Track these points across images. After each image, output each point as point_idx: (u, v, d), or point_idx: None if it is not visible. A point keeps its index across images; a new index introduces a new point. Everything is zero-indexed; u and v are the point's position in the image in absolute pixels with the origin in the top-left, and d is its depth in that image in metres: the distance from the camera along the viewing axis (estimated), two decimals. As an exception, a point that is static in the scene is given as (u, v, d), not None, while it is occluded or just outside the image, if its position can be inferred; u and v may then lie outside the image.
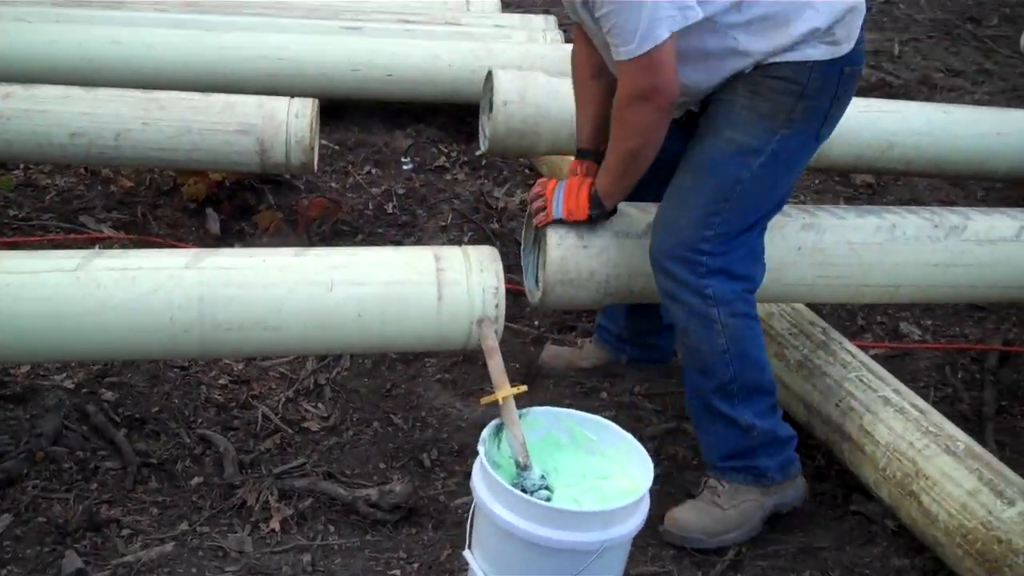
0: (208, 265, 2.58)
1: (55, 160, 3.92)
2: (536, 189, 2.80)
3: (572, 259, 2.70)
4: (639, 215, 2.79)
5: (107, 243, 3.73)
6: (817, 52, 2.53)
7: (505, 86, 3.66)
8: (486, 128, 3.79)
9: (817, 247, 2.84)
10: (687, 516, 2.65)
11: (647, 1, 2.36)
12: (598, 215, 2.69)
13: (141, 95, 3.67)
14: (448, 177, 4.60)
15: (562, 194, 2.70)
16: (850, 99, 2.67)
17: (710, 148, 2.56)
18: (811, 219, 2.88)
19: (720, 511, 2.64)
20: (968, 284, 3.01)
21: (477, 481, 2.24)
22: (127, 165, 3.99)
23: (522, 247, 2.96)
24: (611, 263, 2.72)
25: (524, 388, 2.39)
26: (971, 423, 3.11)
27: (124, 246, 3.73)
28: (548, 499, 2.24)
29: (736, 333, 2.56)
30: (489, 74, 3.76)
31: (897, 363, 3.46)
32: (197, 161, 3.70)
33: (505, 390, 2.35)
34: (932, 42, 7.61)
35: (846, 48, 2.56)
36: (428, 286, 2.64)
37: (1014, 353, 3.65)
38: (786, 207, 2.89)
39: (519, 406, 2.38)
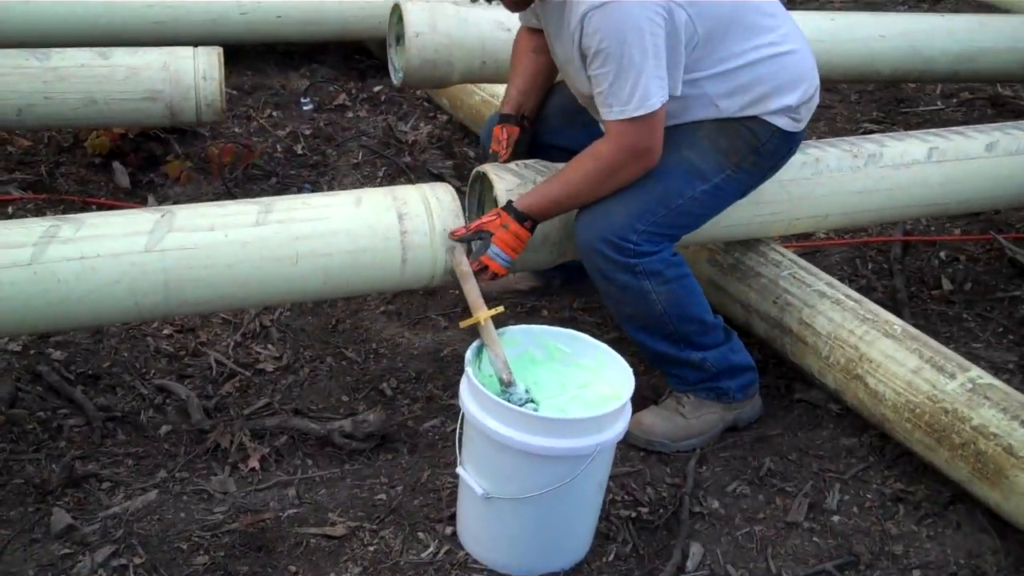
0: (169, 246, 2.45)
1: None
2: (483, 275, 2.62)
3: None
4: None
5: (19, 205, 3.63)
6: (782, 122, 2.71)
7: (416, 18, 3.66)
8: (396, 61, 3.79)
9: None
10: (653, 421, 2.78)
11: (644, 67, 2.44)
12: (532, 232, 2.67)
13: (37, 65, 3.49)
14: (350, 115, 4.59)
15: (499, 248, 2.60)
16: (778, 171, 2.87)
17: (666, 157, 2.62)
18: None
19: (683, 419, 2.78)
20: (889, 207, 3.20)
21: (467, 400, 2.30)
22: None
23: (466, 213, 2.95)
24: (562, 226, 2.78)
25: (501, 309, 2.46)
26: (889, 310, 3.30)
27: (38, 207, 3.63)
28: (536, 411, 2.32)
29: (672, 297, 2.66)
30: (396, 6, 3.75)
31: (809, 260, 3.63)
32: (104, 125, 3.62)
33: (483, 312, 2.41)
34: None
35: (801, 127, 2.77)
36: (393, 251, 2.61)
37: (914, 242, 3.89)
38: None
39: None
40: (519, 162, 2.84)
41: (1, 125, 3.54)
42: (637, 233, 2.59)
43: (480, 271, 2.59)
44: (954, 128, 3.39)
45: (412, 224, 2.63)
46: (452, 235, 2.60)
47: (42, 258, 2.34)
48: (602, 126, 2.60)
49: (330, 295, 2.68)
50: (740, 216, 2.98)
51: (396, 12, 3.76)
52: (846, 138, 3.26)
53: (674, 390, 2.84)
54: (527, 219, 2.59)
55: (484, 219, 2.62)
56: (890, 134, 3.34)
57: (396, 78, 3.81)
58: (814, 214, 3.12)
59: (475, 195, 2.89)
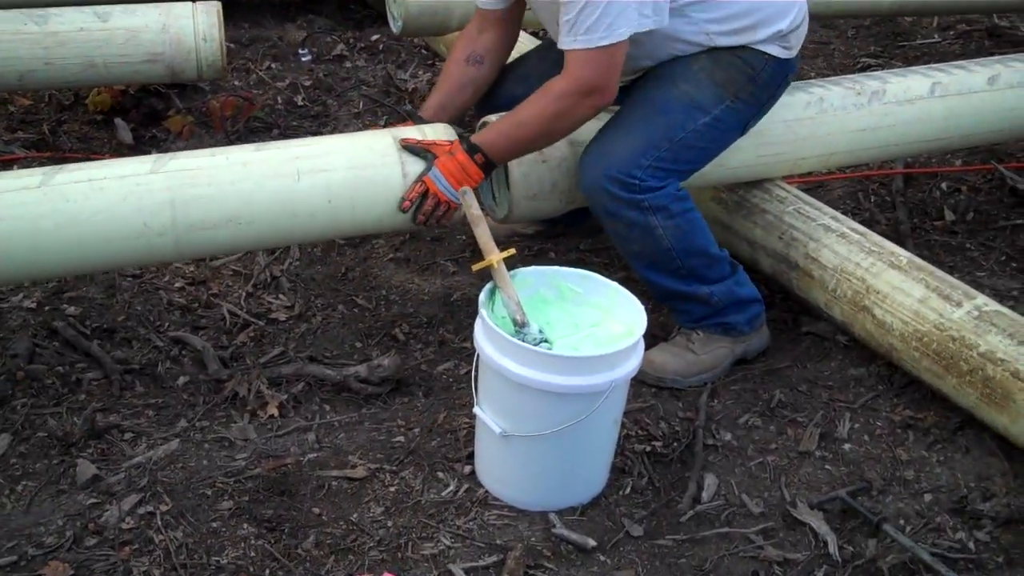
0: (172, 168, 2.55)
1: None
2: (427, 201, 2.62)
3: (534, 174, 2.79)
4: (594, 124, 2.86)
5: (23, 164, 3.64)
6: (774, 50, 2.73)
7: (413, -35, 3.67)
8: (395, 10, 3.80)
9: (756, 129, 2.95)
10: (663, 358, 2.81)
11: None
12: (489, 170, 2.65)
13: (36, 30, 3.48)
14: (349, 65, 4.59)
15: (447, 182, 2.60)
16: (776, 102, 2.87)
17: (665, 93, 2.65)
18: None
19: (694, 355, 2.81)
20: (893, 143, 3.21)
21: (482, 341, 2.33)
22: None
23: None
24: (571, 172, 2.80)
25: (512, 251, 2.48)
26: (892, 241, 3.33)
27: (41, 165, 3.64)
28: (550, 350, 2.36)
29: (678, 232, 2.68)
30: (393, -45, 3.75)
31: (812, 195, 3.66)
32: (105, 85, 3.63)
33: (496, 255, 2.43)
34: None
35: (793, 54, 2.78)
36: (392, 166, 2.68)
37: (916, 175, 3.91)
38: None
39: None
40: None
41: (2, 88, 3.55)
42: (642, 169, 2.61)
43: (423, 197, 2.60)
44: (956, 63, 3.40)
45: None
46: (402, 141, 2.62)
47: (51, 182, 2.45)
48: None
49: (338, 226, 2.67)
50: (745, 157, 3.00)
51: (394, -40, 3.76)
52: (849, 76, 3.27)
53: (682, 327, 2.87)
54: (477, 152, 2.58)
55: (438, 140, 2.63)
56: (892, 70, 3.35)
57: (395, 27, 3.82)
58: (819, 153, 3.13)
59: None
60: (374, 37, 4.79)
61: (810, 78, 3.81)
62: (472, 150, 2.59)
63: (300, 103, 4.23)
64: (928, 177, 3.91)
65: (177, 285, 3.14)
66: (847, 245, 2.89)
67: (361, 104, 4.25)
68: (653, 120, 2.65)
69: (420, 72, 4.51)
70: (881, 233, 3.17)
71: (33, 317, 2.92)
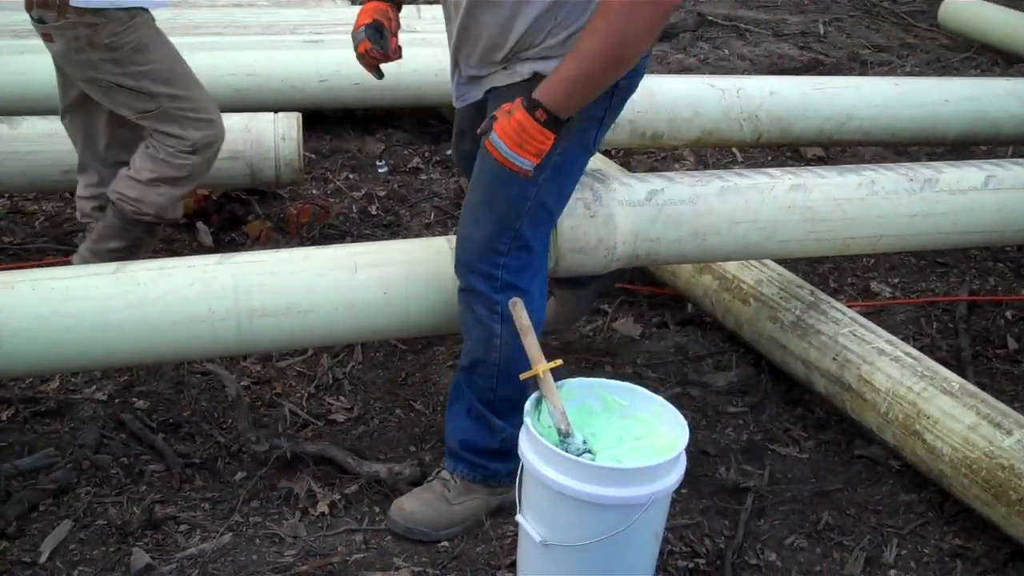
0: (239, 260, 2.79)
1: (47, 191, 4.07)
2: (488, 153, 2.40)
3: (581, 228, 2.84)
4: (638, 184, 2.95)
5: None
6: None
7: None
8: None
9: (806, 205, 3.03)
10: (414, 506, 2.69)
11: None
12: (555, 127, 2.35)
13: None
14: (424, 177, 4.75)
15: (506, 146, 2.34)
16: (622, 110, 2.64)
17: (490, 171, 2.48)
18: (797, 180, 3.07)
19: (447, 505, 2.68)
20: (943, 232, 3.22)
21: (526, 449, 2.38)
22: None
23: None
24: (616, 230, 2.87)
25: (560, 362, 2.53)
26: (952, 368, 3.31)
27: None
28: (593, 461, 2.40)
29: (510, 353, 2.59)
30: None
31: (874, 319, 3.66)
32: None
33: (543, 364, 2.49)
34: (853, 21, 7.94)
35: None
36: (446, 263, 2.84)
37: (980, 302, 3.90)
38: (770, 169, 3.11)
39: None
40: None
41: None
42: (503, 255, 2.54)
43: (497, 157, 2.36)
44: (1012, 159, 3.43)
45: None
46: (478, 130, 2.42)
47: (125, 269, 2.69)
48: None
49: (393, 320, 2.83)
50: (794, 232, 3.05)
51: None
52: (903, 163, 3.31)
53: (443, 469, 2.74)
54: (538, 107, 2.29)
55: (507, 106, 2.37)
56: (947, 162, 3.38)
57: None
58: (868, 234, 3.15)
59: None
60: (448, 151, 4.95)
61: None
62: (532, 106, 2.30)
63: (374, 212, 4.37)
64: (993, 305, 3.90)
65: (243, 384, 3.25)
66: (900, 369, 2.90)
67: (432, 215, 4.38)
68: (495, 199, 2.53)
69: (492, 186, 4.64)
70: (942, 360, 3.18)
71: (103, 409, 3.05)
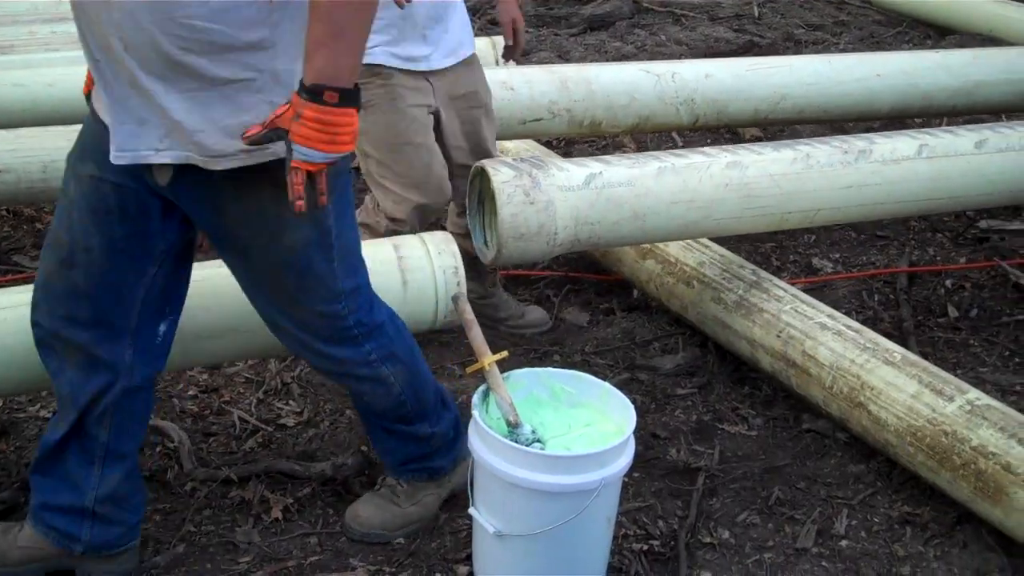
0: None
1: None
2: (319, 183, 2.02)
3: (521, 215, 2.84)
4: (576, 168, 2.96)
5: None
6: None
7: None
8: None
9: (742, 182, 3.06)
10: (368, 513, 2.67)
11: None
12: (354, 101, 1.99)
13: (61, 129, 3.70)
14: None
15: (319, 151, 1.96)
16: None
17: (275, 259, 2.24)
18: (734, 157, 3.10)
19: (399, 508, 2.67)
20: (878, 202, 3.27)
21: (476, 442, 2.39)
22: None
23: (468, 211, 3.09)
24: (556, 215, 2.88)
25: (505, 354, 2.54)
26: (895, 339, 3.36)
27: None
28: (542, 450, 2.40)
29: (406, 375, 2.50)
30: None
31: (817, 295, 3.71)
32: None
33: (488, 357, 2.49)
34: (787, 1, 8.02)
35: None
36: (392, 275, 2.80)
37: (920, 273, 3.95)
38: (707, 148, 3.15)
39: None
40: (515, 156, 2.95)
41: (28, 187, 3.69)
42: (344, 307, 2.34)
43: (311, 184, 1.99)
44: (944, 127, 3.48)
45: (408, 251, 2.85)
46: (244, 136, 2.01)
47: None
48: None
49: None
50: (731, 209, 3.07)
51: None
52: (837, 136, 3.34)
53: (388, 476, 2.71)
54: (323, 90, 1.93)
55: (278, 111, 1.99)
56: (880, 133, 3.42)
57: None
58: (805, 208, 3.19)
59: (475, 191, 3.01)
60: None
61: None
62: (315, 94, 1.93)
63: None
64: (933, 275, 3.95)
65: (191, 393, 3.22)
66: (843, 342, 2.94)
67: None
68: (304, 281, 2.28)
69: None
70: (884, 332, 3.23)
71: (47, 426, 3.01)
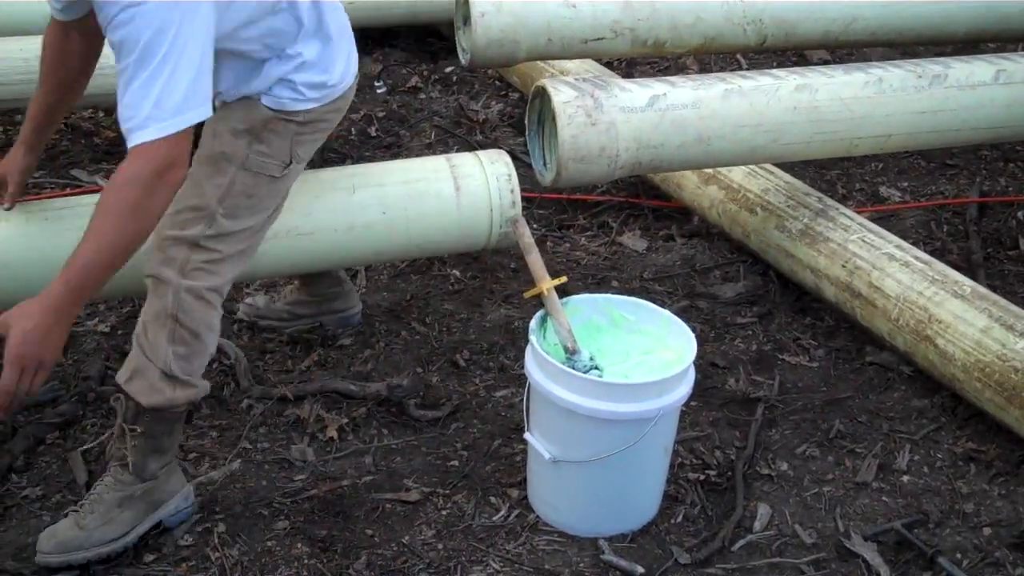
0: None
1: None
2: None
3: (582, 137, 2.78)
4: (640, 89, 2.89)
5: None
6: None
7: (481, -2, 3.71)
8: (464, 42, 3.85)
9: (812, 105, 2.97)
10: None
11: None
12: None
13: None
14: (423, 96, 4.67)
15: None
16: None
17: None
18: (803, 80, 3.01)
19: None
20: (953, 128, 3.16)
21: (532, 368, 2.36)
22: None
23: (527, 132, 3.03)
24: (618, 138, 2.81)
25: (564, 279, 2.50)
26: (963, 272, 3.27)
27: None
28: (600, 377, 2.37)
29: None
30: (461, -13, 3.80)
31: (884, 224, 3.61)
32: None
33: (547, 282, 2.45)
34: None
35: None
36: (445, 181, 2.80)
37: (991, 203, 3.84)
38: (775, 70, 3.06)
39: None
40: (578, 75, 2.88)
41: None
42: None
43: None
44: (1022, 52, 3.34)
45: (459, 160, 2.88)
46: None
47: None
48: None
49: (394, 240, 2.81)
50: (799, 134, 2.99)
51: (462, -8, 3.82)
52: (912, 59, 3.23)
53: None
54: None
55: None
56: (957, 56, 3.31)
57: (464, 58, 3.86)
58: (877, 134, 3.10)
59: (535, 112, 2.96)
60: (448, 69, 4.86)
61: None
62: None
63: (373, 134, 4.31)
64: (1004, 206, 3.84)
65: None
66: (911, 274, 2.86)
67: (433, 135, 4.32)
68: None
69: (492, 103, 4.57)
70: (952, 264, 3.14)
71: (107, 341, 3.02)
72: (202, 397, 2.39)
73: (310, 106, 2.39)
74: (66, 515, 2.33)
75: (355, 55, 2.57)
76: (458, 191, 2.80)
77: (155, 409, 2.28)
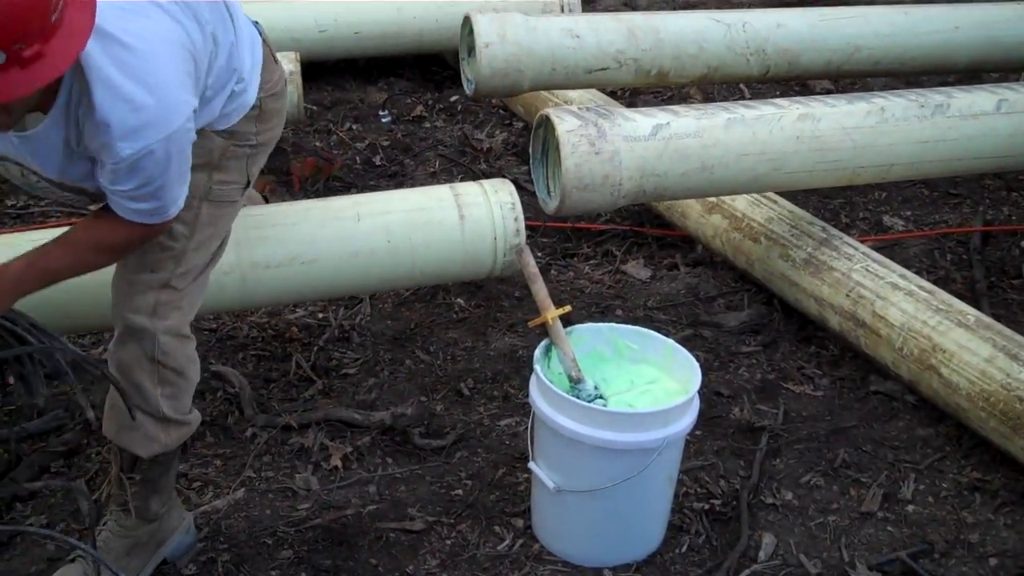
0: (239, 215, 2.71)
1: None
2: None
3: (586, 165, 2.79)
4: (643, 119, 2.90)
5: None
6: None
7: (485, 29, 3.72)
8: (468, 72, 3.87)
9: (814, 134, 2.98)
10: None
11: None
12: None
13: None
14: (427, 125, 4.70)
15: None
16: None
17: None
18: (805, 109, 3.02)
19: None
20: (955, 158, 3.17)
21: (537, 397, 2.36)
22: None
23: (531, 160, 3.04)
24: (622, 166, 2.82)
25: (569, 308, 2.51)
26: (967, 301, 3.27)
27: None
28: (605, 406, 2.37)
29: None
30: (467, 18, 3.83)
31: (887, 253, 3.61)
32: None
33: (551, 311, 2.46)
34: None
35: None
36: (449, 209, 2.82)
37: (995, 232, 3.84)
38: (778, 100, 3.06)
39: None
40: (581, 105, 2.90)
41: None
42: None
43: None
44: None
45: (464, 190, 2.90)
46: None
47: None
48: None
49: (398, 268, 2.82)
50: (802, 163, 3.00)
51: (467, 24, 3.84)
52: (914, 89, 3.24)
53: None
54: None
55: None
56: (959, 87, 3.32)
57: (469, 88, 3.89)
58: (879, 163, 3.10)
59: (539, 140, 2.97)
60: (453, 98, 4.89)
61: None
62: None
63: (378, 163, 4.33)
64: (1007, 235, 3.84)
65: (253, 335, 3.23)
66: (915, 303, 2.87)
67: (437, 163, 4.34)
68: None
69: (496, 132, 4.59)
70: (956, 292, 3.14)
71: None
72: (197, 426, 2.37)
73: (255, 98, 2.34)
74: (72, 560, 2.29)
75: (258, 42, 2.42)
76: (462, 219, 2.82)
77: (152, 458, 2.27)
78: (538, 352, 2.44)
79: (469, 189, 2.92)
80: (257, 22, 2.47)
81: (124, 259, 2.21)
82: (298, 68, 3.91)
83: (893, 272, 3.01)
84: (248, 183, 2.41)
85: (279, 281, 2.70)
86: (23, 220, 3.86)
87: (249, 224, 2.66)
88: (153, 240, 2.17)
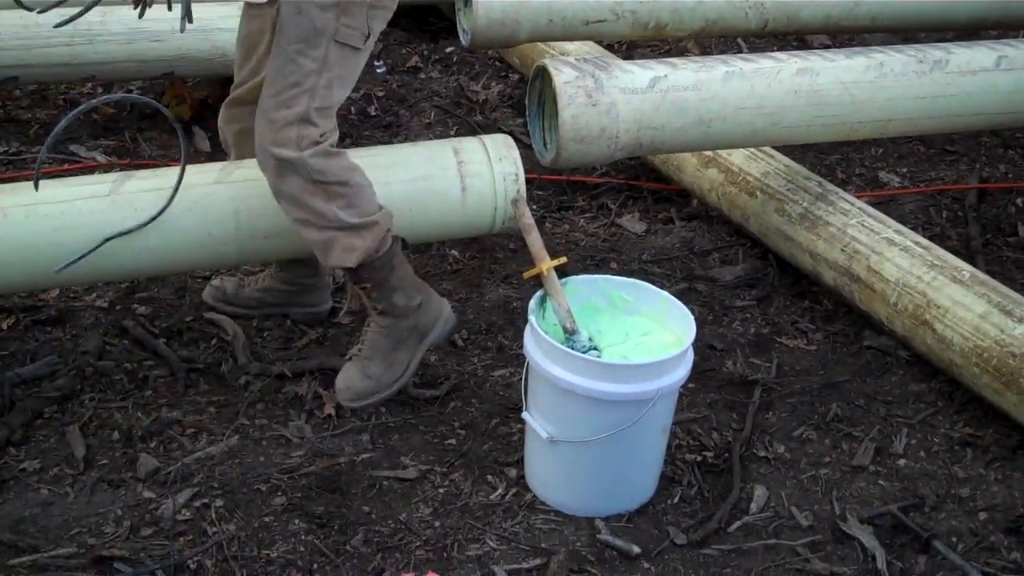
0: (238, 178, 2.69)
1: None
2: None
3: (583, 117, 2.78)
4: (641, 71, 2.88)
5: (103, 170, 3.76)
6: None
7: (482, -24, 3.70)
8: (464, 22, 3.84)
9: (813, 89, 2.96)
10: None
11: None
12: None
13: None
14: (423, 76, 4.66)
15: None
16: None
17: None
18: (804, 63, 3.00)
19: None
20: (954, 114, 3.16)
21: (531, 347, 2.36)
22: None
23: (527, 112, 3.03)
24: (619, 118, 2.81)
25: (564, 260, 2.50)
26: (962, 257, 3.27)
27: (122, 171, 3.76)
28: (599, 357, 2.37)
29: None
30: (463, -34, 3.80)
31: (883, 209, 3.61)
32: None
33: (546, 262, 2.45)
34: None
35: None
36: (451, 180, 2.77)
37: (991, 190, 3.84)
38: (776, 53, 3.04)
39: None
40: (578, 55, 2.88)
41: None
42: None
43: None
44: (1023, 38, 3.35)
45: (468, 156, 2.86)
46: None
47: (120, 189, 2.61)
48: None
49: (399, 231, 2.77)
50: (800, 117, 2.99)
51: (464, -28, 3.80)
52: (913, 44, 3.23)
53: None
54: None
55: None
56: (957, 43, 3.30)
57: (464, 39, 3.85)
58: (877, 118, 3.09)
59: (536, 91, 2.95)
60: (448, 49, 4.86)
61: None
62: None
63: (373, 113, 4.30)
64: (1003, 193, 3.84)
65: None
66: (910, 259, 2.86)
67: (432, 115, 4.31)
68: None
69: (492, 83, 4.56)
70: (951, 249, 3.14)
71: (105, 316, 3.02)
72: (392, 220, 2.56)
73: None
74: (349, 359, 2.68)
75: None
76: (464, 191, 2.80)
77: (362, 265, 2.50)
78: (533, 303, 2.44)
79: (472, 156, 2.88)
80: None
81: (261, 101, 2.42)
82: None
83: (889, 228, 3.00)
84: (368, 35, 2.48)
85: (276, 247, 2.74)
86: (15, 166, 3.83)
87: (250, 192, 2.66)
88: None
